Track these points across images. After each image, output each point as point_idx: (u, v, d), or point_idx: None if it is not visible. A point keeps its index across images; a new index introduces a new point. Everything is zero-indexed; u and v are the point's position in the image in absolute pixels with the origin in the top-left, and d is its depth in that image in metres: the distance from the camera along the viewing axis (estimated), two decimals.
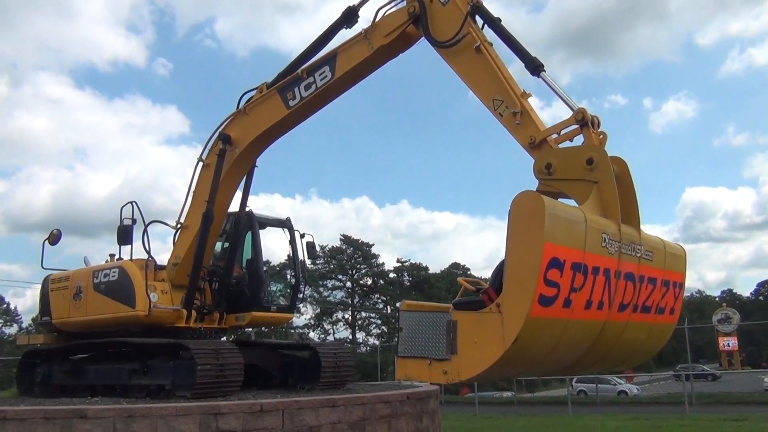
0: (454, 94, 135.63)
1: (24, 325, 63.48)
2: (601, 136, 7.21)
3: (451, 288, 67.43)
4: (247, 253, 12.82)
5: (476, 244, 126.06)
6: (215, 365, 9.89)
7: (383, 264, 76.42)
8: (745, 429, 18.19)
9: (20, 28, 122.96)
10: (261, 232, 12.90)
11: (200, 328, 11.66)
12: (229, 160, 11.22)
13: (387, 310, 73.73)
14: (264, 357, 12.49)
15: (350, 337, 70.13)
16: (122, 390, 10.80)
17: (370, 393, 10.58)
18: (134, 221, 11.29)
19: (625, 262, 6.65)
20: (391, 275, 76.64)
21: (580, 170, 6.83)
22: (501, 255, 6.15)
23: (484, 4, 8.21)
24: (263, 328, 26.75)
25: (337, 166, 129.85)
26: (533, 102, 7.67)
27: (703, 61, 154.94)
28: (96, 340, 11.61)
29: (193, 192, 11.64)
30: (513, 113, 7.45)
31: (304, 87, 10.18)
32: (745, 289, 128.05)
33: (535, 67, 7.73)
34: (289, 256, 13.61)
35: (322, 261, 70.02)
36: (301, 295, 13.77)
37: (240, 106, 11.22)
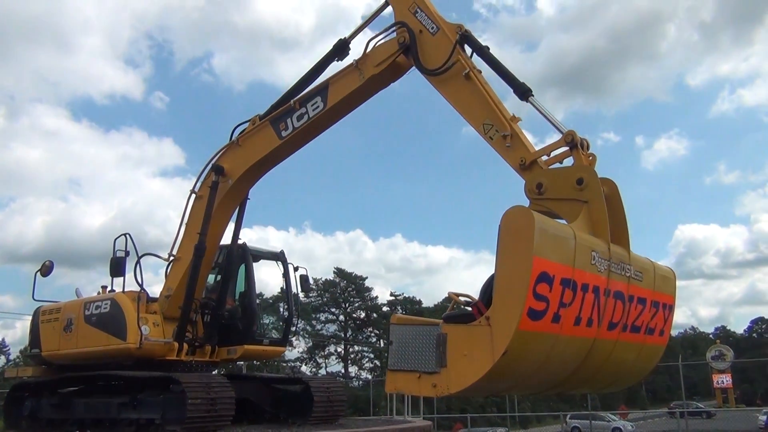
0: (448, 129, 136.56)
1: (12, 357, 62.63)
2: (590, 158, 7.31)
3: None
4: (241, 286, 12.76)
5: (470, 278, 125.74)
6: (206, 399, 9.79)
7: (377, 297, 76.15)
8: None
9: (19, 60, 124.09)
10: (255, 264, 12.85)
11: (192, 361, 11.56)
12: (222, 191, 11.23)
13: (380, 344, 73.15)
14: (256, 391, 12.36)
15: (343, 371, 69.47)
16: (111, 424, 10.66)
17: (362, 428, 10.48)
18: (127, 253, 11.27)
19: (614, 280, 6.67)
20: (385, 309, 76.25)
21: (570, 190, 6.93)
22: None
23: (477, 38, 8.39)
24: (255, 362, 26.49)
25: (331, 199, 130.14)
26: (522, 127, 7.79)
27: (694, 101, 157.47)
28: (86, 373, 11.48)
29: (186, 224, 11.62)
30: (503, 136, 7.58)
31: (297, 117, 10.27)
32: (738, 326, 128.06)
33: (523, 92, 7.89)
34: (282, 288, 13.57)
35: (315, 294, 69.64)
36: (294, 329, 13.71)
37: (233, 138, 11.29)
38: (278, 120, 10.52)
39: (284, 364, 60.61)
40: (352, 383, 62.91)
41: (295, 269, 13.32)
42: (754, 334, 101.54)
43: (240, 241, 12.56)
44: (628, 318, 6.98)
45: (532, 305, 5.62)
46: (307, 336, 68.74)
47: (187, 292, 11.18)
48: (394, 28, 9.05)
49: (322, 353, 71.37)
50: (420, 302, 79.06)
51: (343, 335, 72.70)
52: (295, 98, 10.34)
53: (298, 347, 67.36)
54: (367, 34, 9.69)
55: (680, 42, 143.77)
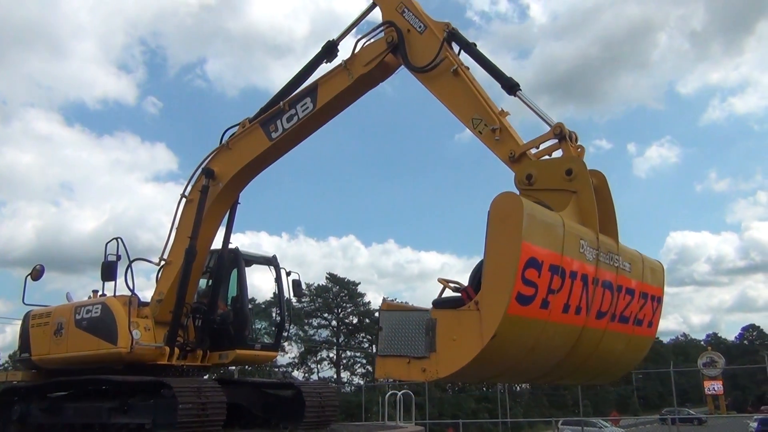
0: (442, 135, 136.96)
1: (1, 362, 62.19)
2: (579, 150, 7.40)
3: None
4: (233, 291, 12.72)
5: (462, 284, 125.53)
6: (197, 404, 9.74)
7: (369, 303, 75.86)
8: None
9: (12, 65, 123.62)
10: (247, 269, 12.82)
11: (183, 365, 11.50)
12: (212, 195, 11.24)
13: (372, 349, 73.01)
14: (247, 396, 12.29)
15: (335, 376, 69.27)
16: (101, 429, 10.60)
17: None
18: (119, 257, 11.21)
19: (602, 270, 6.73)
20: (377, 315, 76.00)
21: (559, 180, 7.03)
22: None
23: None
24: (247, 367, 26.42)
25: (324, 204, 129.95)
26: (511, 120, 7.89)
27: (685, 109, 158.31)
28: (76, 378, 11.42)
29: (176, 228, 11.60)
30: (492, 130, 7.69)
31: (287, 119, 10.32)
32: (729, 333, 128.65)
33: (510, 86, 7.99)
34: (274, 293, 13.54)
35: (307, 299, 69.48)
36: (285, 333, 13.66)
37: (223, 142, 11.31)
38: (268, 122, 10.57)
39: (276, 369, 60.47)
40: (344, 388, 62.75)
41: (288, 274, 13.30)
42: (745, 341, 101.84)
43: (232, 246, 12.55)
44: (617, 308, 7.04)
45: (521, 290, 5.68)
46: (299, 341, 68.57)
47: (178, 296, 11.14)
48: (382, 28, 9.13)
49: (314, 358, 71.12)
50: None
51: (335, 340, 72.53)
52: (285, 100, 10.39)
53: (290, 352, 67.21)
54: (355, 36, 9.80)
55: (671, 50, 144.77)
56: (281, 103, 10.40)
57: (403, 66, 8.95)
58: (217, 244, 12.18)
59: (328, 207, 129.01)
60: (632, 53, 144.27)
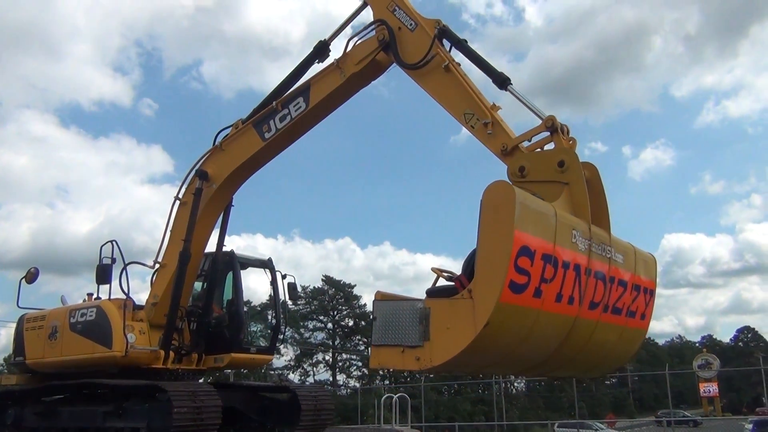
0: (437, 137, 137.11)
1: None
2: (570, 142, 7.43)
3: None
4: (228, 294, 12.70)
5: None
6: (192, 408, 9.71)
7: (365, 305, 75.73)
8: None
9: (7, 67, 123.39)
10: (242, 272, 12.81)
11: (178, 369, 11.47)
12: (206, 196, 11.25)
13: (368, 352, 73.01)
14: (242, 399, 12.28)
15: (331, 379, 69.20)
16: None
17: None
18: (114, 260, 11.17)
19: (595, 260, 6.76)
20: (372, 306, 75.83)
21: (551, 172, 7.07)
22: None
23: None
24: (242, 370, 26.35)
25: (319, 206, 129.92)
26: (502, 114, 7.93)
27: (680, 112, 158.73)
28: (70, 381, 11.37)
29: (171, 231, 11.59)
30: (484, 124, 7.75)
31: (279, 119, 10.36)
32: (724, 335, 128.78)
33: (501, 81, 8.07)
34: (270, 296, 13.52)
35: (303, 302, 69.40)
36: (281, 336, 13.65)
37: (216, 143, 11.32)
38: (261, 122, 10.62)
39: (272, 372, 60.37)
40: (340, 391, 62.69)
41: (283, 277, 13.26)
42: (740, 343, 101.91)
43: (227, 249, 12.53)
44: (609, 299, 7.07)
45: (514, 278, 5.70)
46: (294, 344, 68.50)
47: (173, 299, 11.10)
48: (373, 27, 9.20)
49: (310, 361, 71.09)
50: None
51: (331, 343, 72.45)
52: (277, 100, 10.44)
53: (285, 355, 67.19)
54: (346, 36, 9.85)
55: (666, 53, 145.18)
56: (274, 103, 10.46)
57: (394, 64, 9.05)
58: (211, 246, 12.18)
59: (323, 209, 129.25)
60: (627, 56, 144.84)
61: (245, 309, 13.24)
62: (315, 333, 73.29)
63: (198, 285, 12.40)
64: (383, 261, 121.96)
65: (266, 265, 13.36)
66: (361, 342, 73.03)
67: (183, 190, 11.59)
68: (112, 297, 11.45)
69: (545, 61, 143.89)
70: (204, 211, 11.29)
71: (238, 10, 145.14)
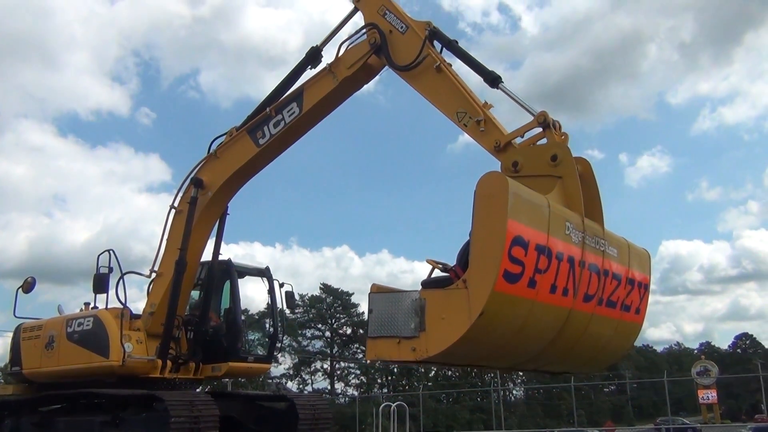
0: (435, 145, 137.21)
1: None
2: (563, 137, 7.49)
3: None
4: (225, 303, 12.67)
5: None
6: (189, 417, 9.68)
7: (363, 313, 75.65)
8: None
9: (4, 76, 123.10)
10: (240, 281, 12.78)
11: (175, 378, 11.43)
12: (202, 204, 11.27)
13: (366, 360, 72.95)
14: (240, 409, 12.24)
15: (329, 387, 69.08)
16: None
17: None
18: (111, 270, 11.15)
19: (589, 253, 6.78)
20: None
21: (544, 166, 7.12)
22: None
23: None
24: (240, 379, 26.29)
25: (317, 215, 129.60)
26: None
27: (676, 119, 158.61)
28: (67, 391, 11.33)
29: (166, 240, 11.59)
30: (477, 122, 7.83)
31: (273, 125, 10.43)
32: (722, 342, 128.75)
33: (493, 79, 8.16)
34: (267, 305, 13.50)
35: (301, 310, 69.39)
36: (279, 345, 13.62)
37: (211, 151, 11.36)
38: (255, 129, 10.68)
39: (270, 381, 60.23)
40: (338, 400, 62.56)
41: (281, 286, 13.26)
42: (739, 350, 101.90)
43: (224, 257, 12.52)
44: (604, 292, 7.09)
45: (508, 267, 5.73)
46: (292, 352, 68.40)
47: (169, 308, 11.09)
48: (364, 31, 9.28)
49: (308, 369, 71.01)
50: None
51: (329, 351, 72.36)
52: (271, 106, 10.51)
53: (283, 363, 67.09)
54: (339, 41, 9.90)
55: (661, 61, 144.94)
56: (267, 109, 10.53)
57: (386, 67, 9.13)
58: (208, 255, 12.16)
59: (321, 217, 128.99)
60: (622, 64, 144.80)
61: (243, 318, 13.21)
62: (313, 341, 73.33)
63: (195, 294, 12.38)
64: (381, 269, 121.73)
65: (264, 273, 13.35)
66: (359, 350, 72.97)
67: (178, 198, 11.62)
68: (109, 306, 11.43)
69: (541, 68, 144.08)
70: (199, 220, 11.31)
71: (236, 19, 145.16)
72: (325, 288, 73.97)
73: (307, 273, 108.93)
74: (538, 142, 7.53)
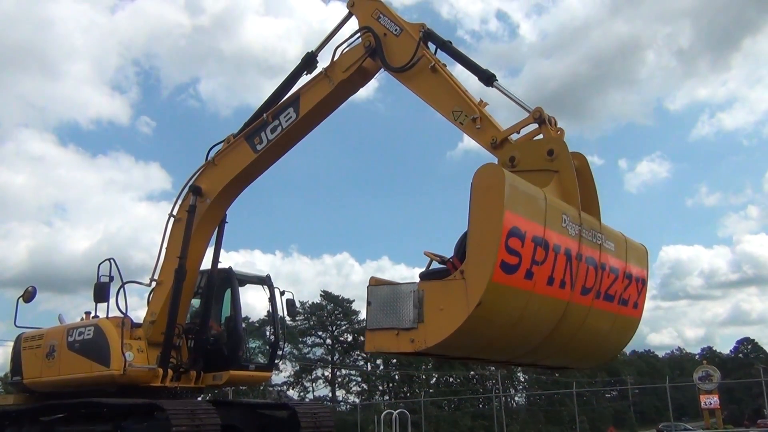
0: (434, 152, 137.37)
1: None
2: (559, 132, 7.54)
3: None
4: (226, 311, 12.65)
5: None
6: (191, 426, 9.65)
7: (364, 320, 75.61)
8: None
9: (5, 86, 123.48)
10: (240, 289, 12.77)
11: (176, 387, 11.41)
12: (200, 212, 11.30)
13: (367, 367, 72.73)
14: (242, 417, 12.21)
15: (330, 395, 68.87)
16: None
17: None
18: (111, 278, 11.14)
19: (586, 246, 6.80)
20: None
21: (541, 161, 7.18)
22: None
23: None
24: (241, 387, 26.24)
25: (317, 222, 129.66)
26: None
27: (674, 125, 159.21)
28: (68, 401, 11.30)
29: (166, 248, 11.59)
30: (473, 120, 7.90)
31: (270, 130, 10.49)
32: (724, 347, 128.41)
33: (487, 78, 8.23)
34: (268, 312, 13.48)
35: (301, 317, 69.19)
36: (280, 353, 13.58)
37: (209, 158, 11.39)
38: (252, 135, 10.75)
39: (271, 389, 60.08)
40: (339, 407, 62.40)
41: (282, 293, 13.26)
42: (740, 355, 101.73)
43: (224, 265, 12.51)
44: (601, 285, 7.10)
45: (505, 258, 5.76)
46: (293, 360, 68.23)
47: (170, 317, 11.08)
48: (359, 35, 9.37)
49: (309, 377, 70.78)
50: None
51: (330, 359, 72.17)
52: (268, 112, 10.56)
53: (284, 371, 66.92)
54: (334, 46, 9.96)
55: (659, 68, 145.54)
56: (264, 115, 10.58)
57: (382, 70, 9.22)
58: (208, 263, 12.15)
59: (321, 225, 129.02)
60: (621, 71, 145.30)
61: (243, 326, 13.20)
62: (314, 349, 73.06)
63: (196, 302, 12.36)
64: (382, 276, 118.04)
65: (264, 281, 13.34)
66: (360, 357, 72.83)
67: (177, 206, 11.63)
68: (110, 315, 11.41)
69: (540, 76, 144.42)
70: (198, 227, 11.33)
71: (235, 29, 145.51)
72: (326, 295, 73.81)
73: (307, 280, 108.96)
74: (534, 138, 7.57)
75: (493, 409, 46.67)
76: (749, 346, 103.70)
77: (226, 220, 12.20)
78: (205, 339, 11.88)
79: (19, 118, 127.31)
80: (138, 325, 11.54)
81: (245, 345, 12.76)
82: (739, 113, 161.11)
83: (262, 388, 50.02)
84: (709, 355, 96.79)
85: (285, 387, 67.63)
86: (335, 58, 9.70)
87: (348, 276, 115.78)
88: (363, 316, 74.48)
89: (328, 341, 72.95)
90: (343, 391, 71.50)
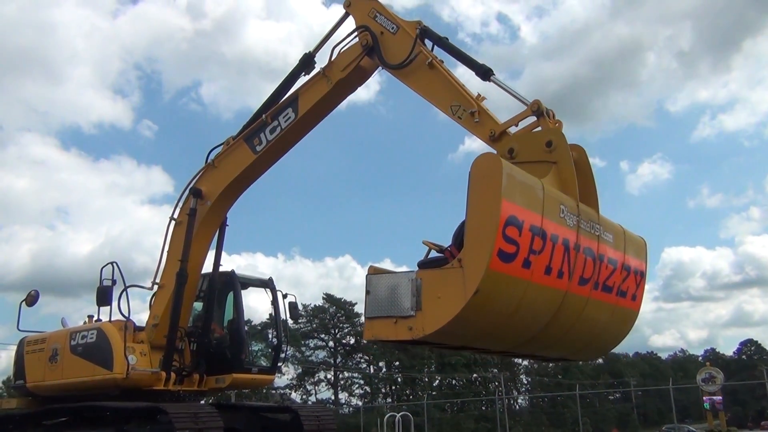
0: (436, 154, 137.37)
1: None
2: (557, 124, 7.55)
3: (435, 348, 66.61)
4: (229, 314, 12.65)
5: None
6: (194, 430, 9.66)
7: None
8: None
9: (7, 91, 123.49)
10: (243, 292, 12.78)
11: (179, 390, 11.41)
12: (201, 214, 11.33)
13: (370, 369, 72.77)
14: (245, 420, 12.20)
15: (333, 397, 68.85)
16: None
17: None
18: (114, 282, 11.15)
19: (583, 237, 6.79)
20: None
21: (539, 152, 7.18)
22: None
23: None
24: (244, 390, 26.24)
25: (319, 225, 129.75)
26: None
27: (675, 127, 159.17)
28: (71, 405, 11.30)
29: (167, 251, 11.61)
30: (471, 113, 7.92)
31: (270, 131, 10.55)
32: (727, 348, 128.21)
33: (484, 72, 8.24)
34: (271, 315, 13.48)
35: (304, 320, 69.19)
36: (283, 356, 13.58)
37: (208, 161, 11.44)
38: (252, 136, 10.81)
39: (273, 392, 60.07)
40: (342, 410, 62.37)
41: (284, 296, 13.25)
42: (744, 356, 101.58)
43: (227, 268, 12.52)
44: (600, 276, 7.09)
45: (502, 247, 5.76)
46: (296, 363, 68.24)
47: (172, 320, 11.08)
48: (356, 34, 9.42)
49: (312, 380, 70.79)
50: None
51: (332, 361, 72.17)
52: (267, 113, 10.62)
53: (287, 374, 66.92)
54: (331, 46, 10.03)
55: (660, 69, 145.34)
56: (263, 116, 10.63)
57: (379, 69, 9.30)
58: (210, 267, 12.16)
59: (323, 227, 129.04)
60: (621, 73, 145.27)
61: (246, 329, 13.19)
62: (316, 351, 73.12)
63: (199, 305, 12.37)
64: None
65: (267, 284, 13.34)
66: (363, 360, 72.85)
67: (178, 210, 11.67)
68: (112, 318, 11.41)
69: (541, 78, 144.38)
70: (199, 230, 11.36)
71: (237, 32, 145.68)
72: (328, 298, 73.87)
73: (309, 283, 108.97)
74: (533, 131, 7.59)
75: (496, 412, 46.71)
76: (752, 348, 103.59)
77: (227, 224, 12.22)
78: (207, 342, 11.87)
79: (21, 122, 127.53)
80: (141, 329, 11.53)
81: (248, 348, 12.75)
82: (741, 114, 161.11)
83: (264, 391, 50.02)
84: (713, 356, 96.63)
85: (288, 390, 67.70)
86: (333, 58, 9.77)
87: (350, 279, 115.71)
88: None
89: (331, 344, 72.99)
90: (346, 394, 71.59)
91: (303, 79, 10.45)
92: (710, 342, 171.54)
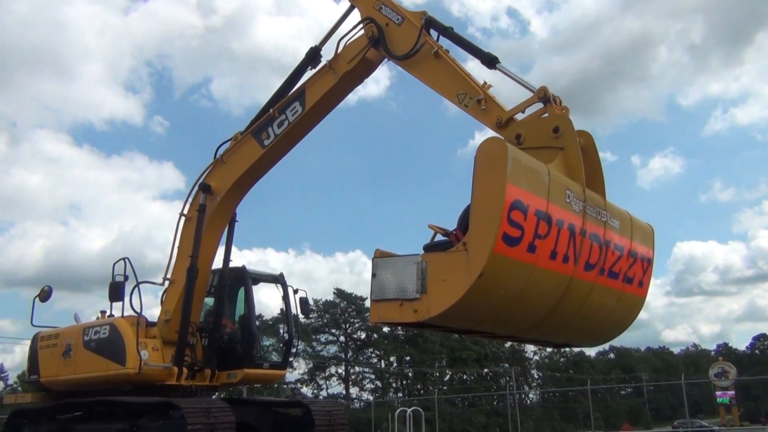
0: (447, 149, 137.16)
1: (10, 382, 62.13)
2: (564, 110, 7.52)
3: (445, 342, 66.71)
4: (240, 309, 12.71)
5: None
6: (206, 424, 9.71)
7: None
8: None
9: (20, 88, 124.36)
10: (254, 287, 12.82)
11: (191, 385, 11.46)
12: (210, 209, 11.39)
13: (381, 364, 72.80)
14: (256, 415, 12.26)
15: (344, 392, 69.00)
16: None
17: None
18: (126, 278, 11.23)
19: (590, 222, 6.76)
20: (385, 329, 75.82)
21: (546, 138, 7.15)
22: None
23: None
24: (255, 385, 26.33)
25: (330, 220, 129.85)
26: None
27: (687, 121, 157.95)
28: (84, 399, 11.39)
29: (178, 247, 11.68)
30: (477, 101, 7.94)
31: (277, 125, 10.60)
32: (739, 343, 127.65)
33: (490, 60, 8.25)
34: (282, 310, 13.52)
35: (315, 315, 69.26)
36: (294, 350, 13.62)
37: (217, 156, 11.50)
38: (260, 131, 10.86)
39: (284, 386, 60.29)
40: (353, 405, 62.50)
41: (295, 292, 13.29)
42: (757, 351, 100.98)
43: (238, 264, 12.56)
44: (606, 262, 7.05)
45: (507, 230, 5.75)
46: (307, 357, 68.40)
47: (183, 315, 11.13)
48: (361, 26, 9.43)
49: (323, 375, 70.94)
50: None
51: (343, 356, 72.28)
52: (274, 107, 10.66)
53: (298, 369, 67.12)
54: (337, 39, 10.05)
55: (671, 63, 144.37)
56: (271, 110, 10.69)
57: (385, 60, 9.36)
58: (220, 262, 12.20)
59: (334, 223, 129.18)
60: (633, 67, 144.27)
61: (257, 324, 13.24)
62: (327, 346, 73.21)
63: (210, 301, 12.42)
64: None
65: (278, 280, 13.38)
66: (373, 355, 72.91)
67: (187, 205, 11.73)
68: (125, 314, 11.47)
69: (551, 72, 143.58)
70: (209, 225, 11.42)
71: (247, 29, 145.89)
72: (339, 293, 73.92)
73: (320, 278, 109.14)
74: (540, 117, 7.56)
75: (507, 406, 46.61)
76: (766, 343, 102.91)
77: (236, 219, 12.27)
78: (219, 337, 11.92)
79: (34, 119, 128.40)
80: (153, 324, 11.60)
81: (259, 343, 12.81)
82: (753, 108, 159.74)
83: (276, 386, 50.20)
84: (725, 351, 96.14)
85: (299, 385, 67.86)
86: (339, 51, 9.80)
87: (360, 274, 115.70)
88: None
89: (342, 339, 73.08)
90: (357, 389, 71.64)
91: (310, 73, 10.50)
92: (723, 337, 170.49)
